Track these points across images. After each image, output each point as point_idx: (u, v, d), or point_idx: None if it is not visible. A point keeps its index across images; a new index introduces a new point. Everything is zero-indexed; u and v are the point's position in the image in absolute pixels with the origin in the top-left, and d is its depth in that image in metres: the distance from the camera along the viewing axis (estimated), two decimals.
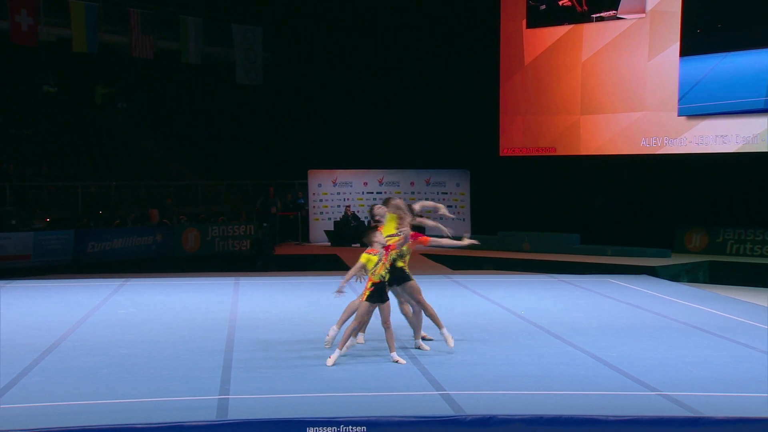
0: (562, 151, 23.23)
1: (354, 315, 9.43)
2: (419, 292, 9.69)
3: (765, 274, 18.65)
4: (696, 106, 20.76)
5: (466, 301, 13.62)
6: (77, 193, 24.30)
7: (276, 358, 9.36)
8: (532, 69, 23.51)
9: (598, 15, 22.35)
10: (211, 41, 28.84)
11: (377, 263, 9.10)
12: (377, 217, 9.97)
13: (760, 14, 19.92)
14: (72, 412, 7.30)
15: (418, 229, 10.49)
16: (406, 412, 7.36)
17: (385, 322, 9.24)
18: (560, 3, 22.95)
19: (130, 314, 12.22)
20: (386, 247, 9.28)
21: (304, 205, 26.26)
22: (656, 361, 9.37)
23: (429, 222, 10.55)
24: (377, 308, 9.20)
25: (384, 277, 9.17)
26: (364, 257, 9.14)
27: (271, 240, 23.32)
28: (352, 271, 9.24)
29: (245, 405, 7.56)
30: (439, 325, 9.74)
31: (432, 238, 10.11)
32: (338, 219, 25.34)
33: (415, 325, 9.95)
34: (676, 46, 20.94)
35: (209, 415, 7.24)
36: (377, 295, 9.14)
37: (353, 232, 23.97)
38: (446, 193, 25.94)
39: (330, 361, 8.95)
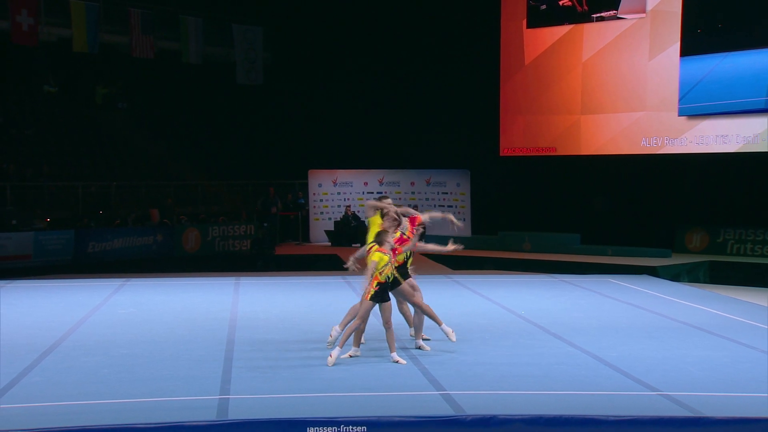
0: (562, 151, 23.22)
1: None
2: (412, 295, 9.68)
3: (765, 274, 18.64)
4: (696, 106, 20.75)
5: (466, 301, 13.63)
6: (78, 193, 24.30)
7: (276, 358, 9.36)
8: (533, 69, 23.51)
9: (598, 15, 22.34)
10: (211, 41, 28.84)
11: (386, 264, 9.12)
12: (385, 212, 9.94)
13: (760, 14, 19.92)
14: (72, 412, 7.30)
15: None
16: (407, 412, 7.37)
17: (387, 323, 9.25)
18: (561, 3, 22.95)
19: (131, 314, 12.23)
20: (393, 249, 9.30)
21: (305, 205, 26.26)
22: (657, 361, 9.37)
23: (437, 214, 10.48)
24: (378, 307, 9.21)
25: (390, 278, 9.20)
26: (377, 255, 9.13)
27: (272, 240, 23.32)
28: (369, 270, 9.16)
29: (246, 405, 7.56)
30: (438, 322, 9.75)
31: (419, 244, 10.02)
32: (339, 219, 25.34)
33: (416, 325, 9.95)
34: (677, 46, 20.93)
35: (210, 415, 7.24)
36: (380, 295, 9.16)
37: (353, 232, 23.98)
38: (446, 193, 25.94)
39: (331, 361, 8.96)
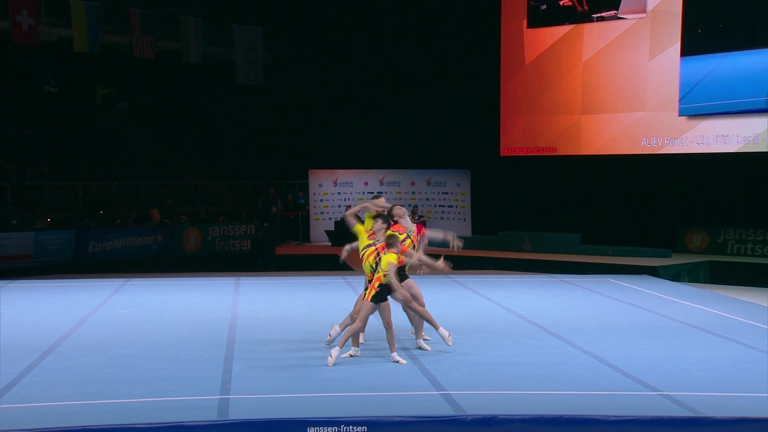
0: (562, 151, 23.22)
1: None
2: (409, 300, 9.67)
3: (766, 274, 18.64)
4: (697, 106, 20.75)
5: (466, 301, 13.63)
6: (78, 193, 24.30)
7: (276, 358, 9.36)
8: (533, 69, 23.50)
9: (598, 15, 22.33)
10: (211, 41, 28.83)
11: (393, 266, 9.18)
12: (395, 218, 9.96)
13: (760, 14, 19.91)
14: (72, 412, 7.30)
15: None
16: (407, 412, 7.37)
17: (387, 323, 9.25)
18: (561, 3, 22.94)
19: (131, 314, 12.23)
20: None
21: (305, 205, 26.26)
22: (657, 361, 9.37)
23: (438, 234, 10.46)
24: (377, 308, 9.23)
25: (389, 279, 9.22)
26: (393, 257, 9.16)
27: (272, 240, 23.31)
28: (394, 281, 9.19)
29: (246, 405, 7.56)
30: (435, 326, 9.73)
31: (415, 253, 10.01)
32: (339, 219, 25.32)
33: (417, 325, 9.96)
34: (677, 46, 20.93)
35: (210, 415, 7.24)
36: (381, 296, 9.16)
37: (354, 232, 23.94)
38: (447, 193, 25.94)
39: (331, 360, 8.96)
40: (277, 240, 24.47)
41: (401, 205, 10.08)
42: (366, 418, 7.14)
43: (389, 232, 9.61)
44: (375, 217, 9.67)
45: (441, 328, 9.72)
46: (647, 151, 21.69)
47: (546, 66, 23.26)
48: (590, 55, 22.50)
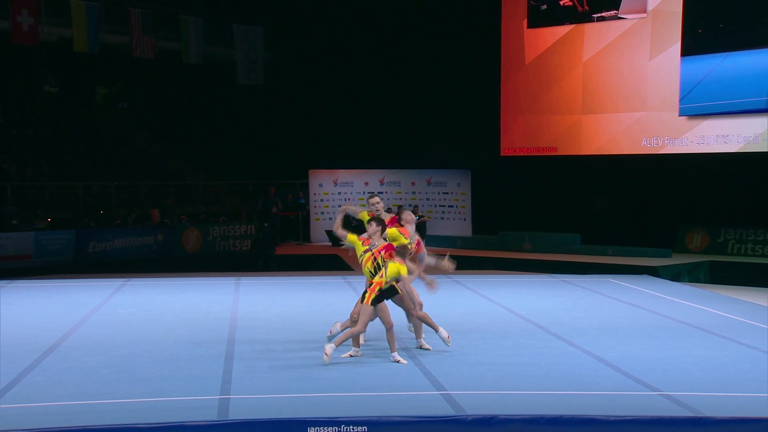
0: (563, 151, 23.21)
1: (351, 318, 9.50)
2: (410, 308, 9.67)
3: (766, 274, 18.63)
4: (697, 106, 20.74)
5: (467, 301, 13.62)
6: (78, 193, 24.31)
7: (277, 358, 9.36)
8: (533, 69, 23.50)
9: (599, 15, 22.33)
10: (211, 41, 28.84)
11: (387, 266, 9.20)
12: (403, 222, 10.00)
13: (761, 14, 19.90)
14: (73, 412, 7.30)
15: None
16: (407, 412, 7.37)
17: (387, 323, 9.26)
18: (561, 3, 22.94)
19: (131, 314, 12.23)
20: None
21: (305, 205, 26.26)
22: (657, 361, 9.37)
23: (432, 261, 10.40)
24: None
25: (390, 284, 9.24)
26: (404, 269, 9.27)
27: (272, 240, 23.31)
28: (409, 292, 9.33)
29: (246, 405, 7.56)
30: (435, 328, 9.73)
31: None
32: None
33: (416, 325, 9.96)
34: (678, 46, 20.92)
35: (210, 415, 7.24)
36: (380, 299, 9.18)
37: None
38: (447, 193, 25.93)
39: (326, 358, 8.93)
40: (278, 240, 24.47)
41: (411, 212, 10.08)
42: (366, 418, 7.14)
43: (393, 231, 9.61)
44: (369, 220, 9.67)
45: (441, 330, 9.72)
46: (647, 151, 21.68)
47: (546, 66, 23.25)
48: (591, 55, 22.50)
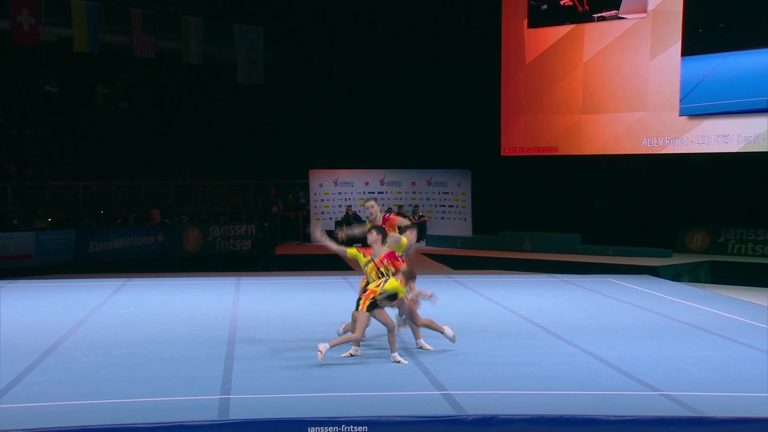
0: (563, 151, 23.21)
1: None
2: (417, 319, 9.69)
3: (766, 274, 18.61)
4: (697, 105, 20.74)
5: (467, 301, 13.62)
6: (78, 193, 24.31)
7: (277, 358, 9.36)
8: (534, 69, 23.49)
9: (599, 15, 22.32)
10: (212, 41, 28.84)
11: (388, 279, 9.26)
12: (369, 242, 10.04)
13: (761, 14, 19.90)
14: (73, 411, 7.30)
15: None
16: (408, 411, 7.36)
17: (387, 324, 9.26)
18: (562, 3, 22.93)
19: (132, 314, 12.23)
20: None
21: (305, 205, 26.26)
22: (657, 361, 9.37)
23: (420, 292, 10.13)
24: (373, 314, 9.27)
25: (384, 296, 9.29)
26: (403, 291, 9.27)
27: (272, 240, 23.31)
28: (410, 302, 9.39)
29: (246, 405, 7.56)
30: (440, 330, 9.75)
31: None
32: (340, 219, 25.34)
33: (413, 326, 9.96)
34: (678, 46, 20.92)
35: (210, 415, 7.24)
36: (375, 305, 9.17)
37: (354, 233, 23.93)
38: (447, 193, 25.93)
39: (320, 356, 8.91)
40: (278, 240, 24.48)
41: (376, 230, 9.69)
42: (367, 418, 7.14)
43: (400, 249, 9.61)
44: (369, 229, 9.71)
45: (446, 329, 9.73)
46: (648, 151, 21.68)
47: (547, 66, 23.25)
48: (591, 55, 22.49)
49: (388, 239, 9.72)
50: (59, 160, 26.02)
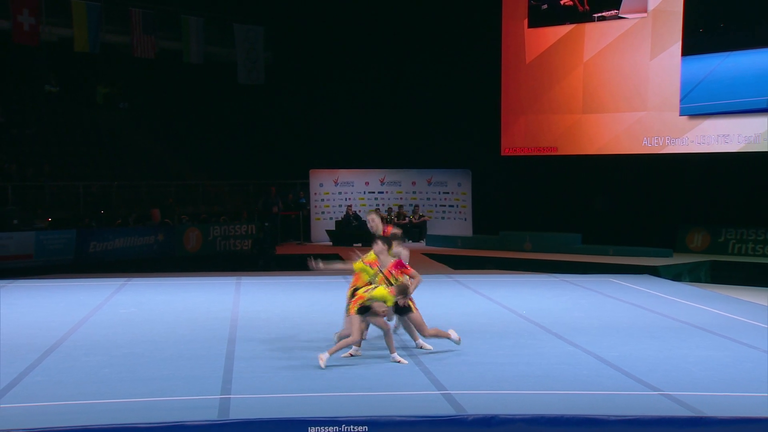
0: (563, 151, 23.21)
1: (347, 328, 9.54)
2: (424, 329, 9.66)
3: (767, 274, 18.61)
4: (698, 105, 20.74)
5: (467, 301, 13.62)
6: (79, 192, 24.31)
7: (277, 358, 9.36)
8: (534, 68, 23.49)
9: (599, 15, 22.33)
10: (212, 41, 28.83)
11: (377, 286, 9.27)
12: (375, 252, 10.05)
13: (761, 14, 19.90)
14: (73, 411, 7.30)
15: None
16: (408, 411, 7.36)
17: (383, 327, 9.27)
18: (562, 2, 22.94)
19: (132, 314, 12.23)
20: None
21: (306, 205, 26.26)
22: (658, 360, 9.36)
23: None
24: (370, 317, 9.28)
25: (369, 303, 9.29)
26: (390, 300, 9.23)
27: (273, 240, 23.31)
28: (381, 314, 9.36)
29: (247, 404, 7.56)
30: (446, 336, 9.70)
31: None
32: (340, 219, 25.35)
33: (410, 328, 9.94)
34: (678, 46, 20.92)
35: (211, 415, 7.24)
36: (365, 309, 9.19)
37: (355, 232, 23.97)
38: (447, 193, 25.94)
39: (322, 363, 8.91)
40: (278, 240, 24.48)
41: (381, 241, 9.65)
42: (367, 418, 7.13)
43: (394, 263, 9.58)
44: (374, 240, 9.69)
45: (451, 333, 9.72)
46: (648, 151, 21.68)
47: (547, 66, 23.25)
48: (591, 55, 22.49)
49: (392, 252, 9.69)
50: (59, 160, 26.02)
